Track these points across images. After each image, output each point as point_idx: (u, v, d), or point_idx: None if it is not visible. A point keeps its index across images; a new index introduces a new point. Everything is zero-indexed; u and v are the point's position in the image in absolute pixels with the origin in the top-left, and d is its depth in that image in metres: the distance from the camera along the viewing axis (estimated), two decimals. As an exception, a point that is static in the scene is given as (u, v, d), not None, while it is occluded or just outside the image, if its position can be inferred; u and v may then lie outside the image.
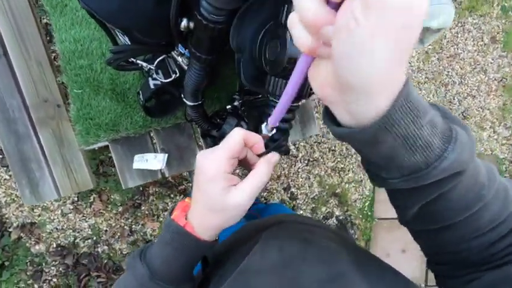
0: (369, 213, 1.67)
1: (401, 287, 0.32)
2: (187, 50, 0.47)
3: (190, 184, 1.49)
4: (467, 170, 0.24)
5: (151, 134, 0.82)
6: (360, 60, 0.17)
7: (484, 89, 1.78)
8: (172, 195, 1.48)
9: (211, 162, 0.30)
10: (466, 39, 1.74)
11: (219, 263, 0.42)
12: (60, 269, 1.40)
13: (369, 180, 1.62)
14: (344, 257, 0.34)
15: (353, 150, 1.66)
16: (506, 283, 0.26)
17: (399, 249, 1.72)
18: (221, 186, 0.30)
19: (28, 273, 1.38)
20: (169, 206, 1.48)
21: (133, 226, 1.46)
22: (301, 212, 1.61)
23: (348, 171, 1.66)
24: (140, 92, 0.70)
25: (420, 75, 1.71)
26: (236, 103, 0.71)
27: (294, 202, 1.60)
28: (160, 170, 0.81)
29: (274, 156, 0.34)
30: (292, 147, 1.59)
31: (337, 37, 0.17)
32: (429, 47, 1.71)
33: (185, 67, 0.54)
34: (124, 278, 0.35)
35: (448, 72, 1.74)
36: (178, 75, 0.63)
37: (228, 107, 0.72)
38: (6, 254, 1.35)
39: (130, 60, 0.64)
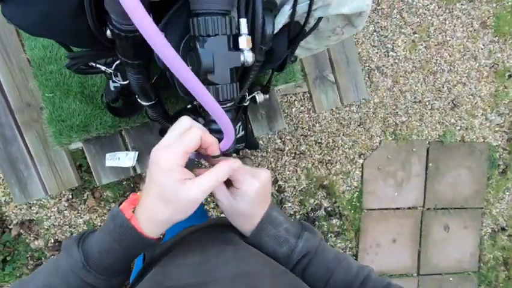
0: (357, 204, 1.69)
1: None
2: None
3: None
4: (313, 252, 0.41)
5: (123, 133, 0.86)
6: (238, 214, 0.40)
7: (474, 75, 1.75)
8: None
9: (168, 155, 0.31)
10: (454, 26, 1.71)
11: (153, 263, 0.44)
12: (59, 263, 1.47)
13: (356, 172, 1.62)
14: (257, 258, 0.38)
15: (340, 142, 1.67)
16: None
17: (390, 239, 1.74)
18: (176, 178, 0.31)
19: (29, 267, 1.47)
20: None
21: (126, 221, 1.52)
22: (289, 204, 1.64)
23: (336, 163, 1.67)
24: (104, 94, 0.74)
25: (407, 64, 1.70)
26: (196, 102, 0.74)
27: (281, 195, 1.63)
28: (132, 167, 0.86)
29: (236, 162, 0.36)
30: (278, 140, 1.62)
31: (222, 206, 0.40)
32: (416, 35, 1.69)
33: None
34: (57, 260, 0.35)
35: (436, 60, 1.72)
36: (134, 77, 0.67)
37: (189, 106, 0.75)
38: (8, 250, 1.44)
39: (90, 64, 0.68)
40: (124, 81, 0.69)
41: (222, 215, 1.62)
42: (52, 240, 1.49)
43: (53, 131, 0.81)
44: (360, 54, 1.65)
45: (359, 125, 1.68)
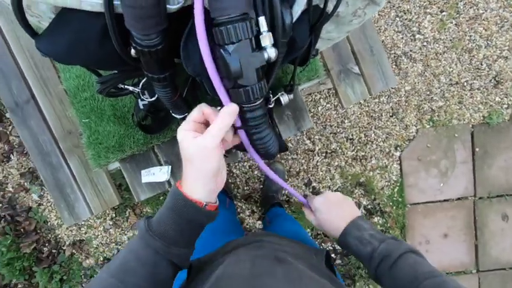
0: (399, 200, 1.59)
1: None
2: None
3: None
4: (396, 256, 0.47)
5: (155, 149, 0.89)
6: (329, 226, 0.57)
7: (517, 47, 1.59)
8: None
9: (181, 128, 0.38)
10: (486, -3, 1.58)
11: (200, 271, 0.47)
12: (109, 279, 1.55)
13: (394, 166, 1.54)
14: (309, 280, 0.38)
15: (373, 136, 1.60)
16: None
17: (441, 234, 1.61)
18: (189, 138, 0.37)
19: (83, 285, 1.56)
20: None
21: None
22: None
23: (371, 158, 1.60)
24: (134, 113, 0.77)
25: (437, 45, 1.59)
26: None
27: (317, 196, 1.58)
28: (167, 181, 0.88)
29: (232, 106, 0.39)
30: (307, 141, 1.58)
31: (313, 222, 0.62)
32: (444, 13, 1.58)
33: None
34: (130, 241, 0.41)
35: (470, 36, 1.59)
36: (161, 93, 0.69)
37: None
38: (64, 269, 1.54)
39: (118, 86, 0.72)
40: (151, 98, 0.71)
41: (258, 222, 1.59)
42: (101, 258, 1.57)
43: (92, 154, 0.86)
44: (384, 42, 1.58)
45: (391, 116, 1.59)
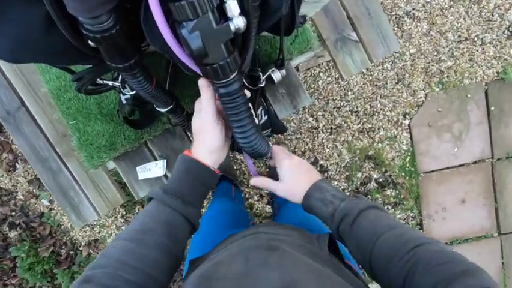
0: (412, 169, 1.53)
1: None
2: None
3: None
4: (356, 214, 0.44)
5: (148, 144, 0.86)
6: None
7: (531, -8, 1.45)
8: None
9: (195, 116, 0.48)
10: None
11: (196, 268, 0.45)
12: (128, 274, 1.58)
13: (404, 135, 1.47)
14: (303, 265, 0.36)
15: (379, 106, 1.52)
16: None
17: (458, 200, 1.55)
18: (196, 114, 0.47)
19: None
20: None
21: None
22: (335, 182, 1.54)
23: (378, 129, 1.53)
24: (119, 109, 0.73)
25: (441, 0, 1.47)
26: None
27: (325, 174, 1.54)
28: (164, 175, 0.85)
29: (201, 80, 0.44)
30: (310, 119, 1.52)
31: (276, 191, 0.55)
32: (447, -37, 1.44)
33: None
34: (147, 206, 0.44)
35: (478, -15, 1.46)
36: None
37: None
38: (83, 269, 1.57)
39: (97, 82, 0.68)
40: (133, 91, 0.67)
41: (267, 207, 1.56)
42: (118, 255, 1.60)
43: (84, 156, 0.83)
44: (383, 3, 1.46)
45: (397, 83, 1.50)
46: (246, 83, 0.69)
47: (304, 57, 0.93)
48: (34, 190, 1.56)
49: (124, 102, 0.69)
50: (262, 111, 0.82)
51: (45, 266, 1.53)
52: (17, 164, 1.55)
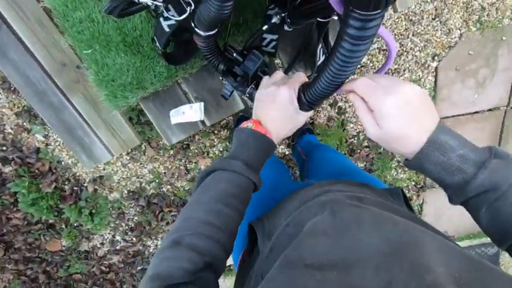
0: (429, 114, 1.50)
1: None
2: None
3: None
4: (505, 189, 0.33)
5: (181, 84, 0.72)
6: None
7: None
8: (215, 132, 1.47)
9: (288, 91, 0.45)
10: None
11: (269, 233, 0.44)
12: (137, 209, 1.58)
13: (428, 78, 1.40)
14: (403, 224, 0.32)
15: (409, 45, 1.39)
16: None
17: (464, 146, 1.59)
18: (295, 106, 0.45)
19: (113, 216, 1.60)
20: (215, 141, 1.49)
21: (188, 165, 1.53)
22: (351, 125, 1.51)
23: (404, 71, 1.43)
24: (155, 38, 0.57)
25: None
26: (275, 19, 0.56)
27: (342, 116, 1.48)
28: (201, 120, 0.75)
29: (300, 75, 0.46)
30: (334, 56, 1.38)
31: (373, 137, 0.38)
32: None
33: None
34: (219, 175, 0.42)
35: None
36: (193, 6, 0.49)
37: (265, 27, 0.57)
38: (91, 204, 1.55)
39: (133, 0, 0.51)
40: (179, 15, 0.51)
41: (287, 149, 1.51)
42: (125, 191, 1.57)
43: (105, 95, 0.70)
44: None
45: (433, 19, 1.35)
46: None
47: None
48: (24, 124, 1.40)
49: (167, 29, 0.53)
50: (321, 50, 0.70)
51: (50, 201, 1.48)
52: (-2, 94, 1.35)
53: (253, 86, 0.54)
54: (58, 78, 0.90)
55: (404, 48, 1.39)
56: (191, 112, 0.73)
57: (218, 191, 0.40)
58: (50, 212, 1.51)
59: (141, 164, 1.51)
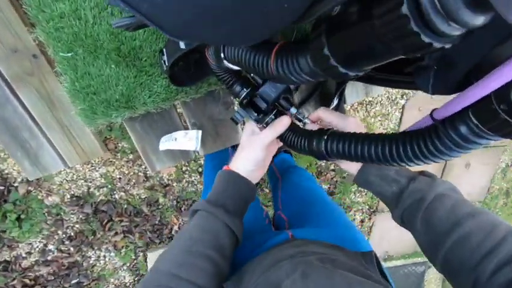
0: (390, 147, 1.61)
1: None
2: None
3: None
4: (431, 199, 0.38)
5: (177, 107, 0.62)
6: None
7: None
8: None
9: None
10: None
11: (239, 281, 0.42)
12: (81, 216, 1.37)
13: (395, 114, 1.47)
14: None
15: (384, 81, 1.47)
16: None
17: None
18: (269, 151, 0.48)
19: (49, 223, 1.35)
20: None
21: (147, 172, 1.37)
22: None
23: (376, 104, 1.50)
24: (165, 51, 0.46)
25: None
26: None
27: (315, 140, 1.50)
28: (195, 150, 0.65)
29: (285, 119, 0.44)
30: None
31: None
32: None
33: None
34: (194, 221, 0.43)
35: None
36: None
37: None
38: (20, 208, 1.28)
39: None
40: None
41: None
42: (68, 196, 1.34)
43: (81, 109, 0.56)
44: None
45: (408, 60, 1.45)
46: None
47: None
48: None
49: (183, 46, 0.43)
50: (338, 98, 0.67)
51: (-36, 202, 1.19)
52: None
53: (272, 116, 0.47)
54: (5, 65, 0.72)
55: (380, 83, 1.46)
56: (185, 140, 0.63)
57: (185, 239, 0.41)
58: (-38, 214, 1.21)
59: (92, 166, 1.31)
